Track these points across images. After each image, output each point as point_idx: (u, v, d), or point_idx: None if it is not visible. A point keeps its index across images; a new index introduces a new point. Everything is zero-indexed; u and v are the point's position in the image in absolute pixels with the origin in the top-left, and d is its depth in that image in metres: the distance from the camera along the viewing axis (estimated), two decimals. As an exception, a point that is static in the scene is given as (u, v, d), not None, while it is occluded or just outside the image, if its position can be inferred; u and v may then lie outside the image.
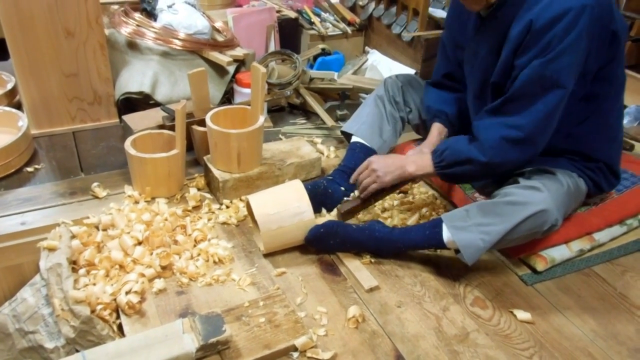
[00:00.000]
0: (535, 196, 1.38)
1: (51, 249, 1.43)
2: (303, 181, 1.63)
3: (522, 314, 1.42)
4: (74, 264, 1.44)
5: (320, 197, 1.67)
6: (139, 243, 1.51)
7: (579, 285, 1.54)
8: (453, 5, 1.65)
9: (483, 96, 1.55)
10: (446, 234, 1.45)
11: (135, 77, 2.11)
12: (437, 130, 1.73)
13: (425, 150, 1.65)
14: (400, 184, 1.63)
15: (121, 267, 1.45)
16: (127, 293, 1.36)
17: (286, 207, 1.51)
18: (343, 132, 1.92)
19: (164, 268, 1.46)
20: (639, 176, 1.78)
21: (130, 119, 1.98)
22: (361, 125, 1.83)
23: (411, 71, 2.54)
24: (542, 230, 1.40)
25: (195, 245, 1.57)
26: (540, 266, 1.54)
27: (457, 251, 1.45)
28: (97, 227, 1.59)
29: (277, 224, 1.50)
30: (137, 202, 1.71)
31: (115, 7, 2.33)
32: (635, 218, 1.69)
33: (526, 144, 1.39)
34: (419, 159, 1.55)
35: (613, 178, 1.60)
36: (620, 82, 1.49)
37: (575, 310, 1.46)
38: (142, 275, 1.42)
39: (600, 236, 1.63)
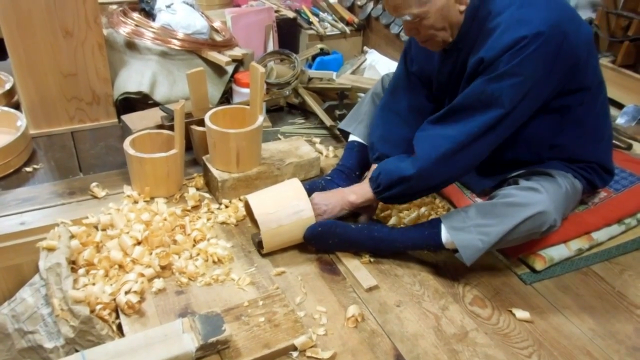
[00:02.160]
0: (534, 197, 1.38)
1: (50, 249, 1.43)
2: (302, 181, 1.63)
3: (521, 313, 1.42)
4: (73, 264, 1.44)
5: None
6: (138, 243, 1.51)
7: (578, 284, 1.55)
8: (415, 42, 1.58)
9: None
10: (445, 235, 1.46)
11: (134, 77, 2.11)
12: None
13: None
14: (365, 209, 1.62)
15: (120, 267, 1.45)
16: (126, 293, 1.36)
17: (285, 205, 1.51)
18: (340, 130, 1.92)
19: (163, 268, 1.46)
20: (637, 175, 1.78)
21: (129, 119, 1.98)
22: (358, 124, 1.83)
23: (410, 71, 2.54)
24: (541, 231, 1.41)
25: (194, 245, 1.57)
26: (539, 265, 1.54)
27: (455, 251, 1.46)
28: (96, 227, 1.59)
29: (277, 222, 1.50)
30: (136, 202, 1.71)
31: (114, 7, 2.33)
32: (633, 217, 1.70)
33: (456, 157, 1.38)
34: (358, 188, 1.58)
35: (606, 175, 1.60)
36: (595, 87, 1.47)
37: (574, 309, 1.46)
38: (142, 275, 1.42)
39: (599, 235, 1.64)
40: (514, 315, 1.43)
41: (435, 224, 1.49)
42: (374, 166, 1.65)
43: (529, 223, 1.38)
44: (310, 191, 1.62)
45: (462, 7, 1.36)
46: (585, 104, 1.46)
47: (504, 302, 1.47)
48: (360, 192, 1.56)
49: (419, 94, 1.68)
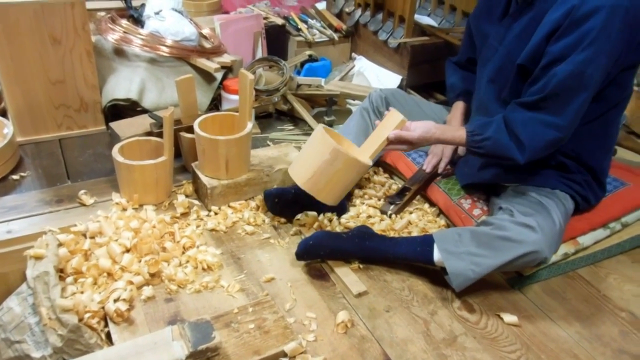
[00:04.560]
0: (529, 236, 1.39)
1: (38, 258, 1.42)
2: (291, 187, 1.63)
3: (509, 317, 1.44)
4: (61, 272, 1.43)
5: (304, 201, 1.69)
6: (127, 250, 1.51)
7: (564, 288, 1.57)
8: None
9: (499, 80, 1.56)
10: (437, 255, 1.47)
11: (123, 84, 2.10)
12: (460, 110, 1.81)
13: (454, 123, 1.74)
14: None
15: (109, 274, 1.45)
16: (115, 301, 1.35)
17: (319, 162, 1.46)
18: None
19: (152, 275, 1.46)
20: (621, 180, 1.81)
21: (118, 126, 1.97)
22: (348, 135, 1.85)
23: (398, 77, 2.56)
24: (532, 266, 1.45)
25: (183, 252, 1.57)
26: (526, 270, 1.56)
27: (444, 270, 1.47)
28: (84, 235, 1.59)
29: (323, 180, 1.47)
30: (124, 210, 1.70)
31: (102, 13, 2.33)
32: (617, 221, 1.72)
33: (559, 143, 1.42)
34: (451, 131, 1.52)
35: (599, 190, 1.63)
36: (629, 92, 1.51)
37: (561, 312, 1.48)
38: (131, 282, 1.42)
39: (585, 240, 1.66)
40: (502, 319, 1.44)
41: (428, 242, 1.49)
42: (459, 104, 1.79)
43: (522, 260, 1.40)
44: (294, 196, 1.65)
45: None
46: (618, 106, 1.49)
47: (492, 306, 1.48)
48: (450, 135, 1.51)
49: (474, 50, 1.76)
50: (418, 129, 1.50)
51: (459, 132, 1.50)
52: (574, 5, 1.31)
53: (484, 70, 1.63)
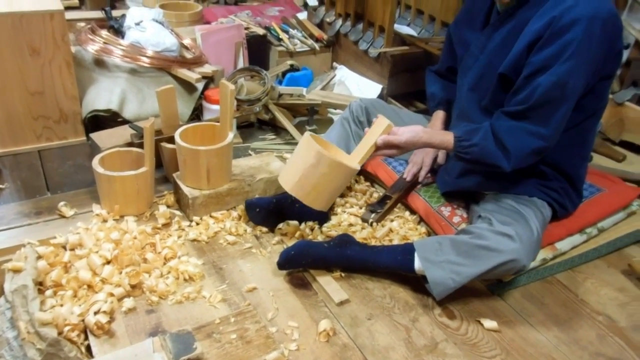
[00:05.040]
0: (508, 245, 1.41)
1: (16, 271, 1.40)
2: (272, 196, 1.64)
3: (489, 323, 1.46)
4: (40, 285, 1.41)
5: (286, 211, 1.70)
6: (108, 262, 1.50)
7: (543, 293, 1.59)
8: (469, 1, 1.70)
9: (480, 88, 1.59)
10: (418, 264, 1.49)
11: (103, 95, 2.10)
12: (441, 118, 1.82)
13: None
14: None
15: (89, 287, 1.43)
16: (95, 313, 1.34)
17: (304, 167, 1.47)
18: None
19: (133, 287, 1.45)
20: (597, 186, 1.85)
21: (98, 137, 1.97)
22: None
23: (378, 86, 2.59)
24: (511, 274, 1.48)
25: (165, 263, 1.56)
26: (505, 276, 1.58)
27: (425, 279, 1.49)
28: (64, 247, 1.57)
29: (309, 184, 1.48)
30: (105, 221, 1.69)
31: (82, 24, 2.32)
32: (594, 227, 1.76)
33: (545, 152, 1.45)
34: (440, 135, 1.54)
35: (576, 196, 1.66)
36: (605, 102, 1.54)
37: (539, 317, 1.50)
38: (111, 294, 1.41)
39: (562, 245, 1.69)
40: (482, 325, 1.46)
41: (409, 250, 1.51)
42: (439, 112, 1.80)
43: (501, 268, 1.42)
44: (276, 206, 1.67)
45: None
46: (595, 116, 1.53)
47: (472, 312, 1.50)
48: (439, 139, 1.53)
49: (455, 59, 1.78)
50: (406, 133, 1.52)
51: (446, 137, 1.52)
52: (555, 16, 1.35)
53: (464, 79, 1.66)
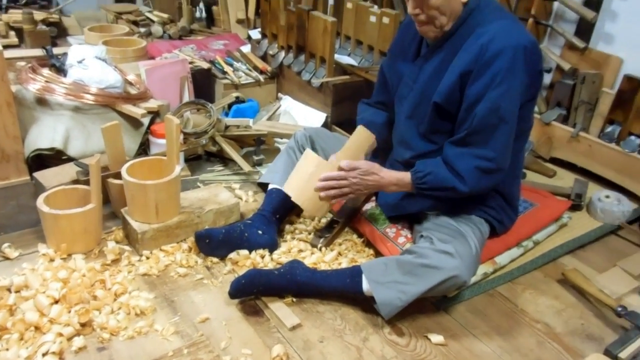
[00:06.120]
0: (448, 263, 1.49)
1: (-41, 316, 1.37)
2: (221, 227, 1.66)
3: (436, 337, 1.52)
4: (-16, 330, 1.38)
5: (236, 240, 1.73)
6: (56, 302, 1.48)
7: (485, 305, 1.67)
8: (399, 35, 1.78)
9: (416, 116, 1.67)
10: (366, 286, 1.54)
11: (46, 134, 2.08)
12: (363, 135, 1.79)
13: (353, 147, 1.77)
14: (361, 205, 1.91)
15: (37, 328, 1.41)
16: (43, 355, 1.32)
17: (305, 174, 1.68)
18: (260, 184, 1.99)
19: (83, 325, 1.44)
20: (530, 202, 1.96)
21: (42, 175, 1.94)
22: (275, 174, 1.93)
23: (322, 115, 2.67)
24: (454, 289, 1.56)
25: (115, 299, 1.55)
26: (450, 292, 1.65)
27: (373, 300, 1.54)
28: (9, 290, 1.54)
29: (309, 188, 1.67)
30: (52, 260, 1.67)
31: (22, 63, 2.30)
32: (529, 240, 1.87)
33: (497, 173, 1.54)
34: (395, 175, 1.64)
35: (512, 212, 1.77)
36: (530, 124, 1.66)
37: (483, 328, 1.58)
38: (60, 334, 1.39)
39: (501, 259, 1.78)
40: (429, 340, 1.52)
41: (357, 272, 1.56)
42: (361, 129, 1.79)
43: (444, 285, 1.49)
44: (225, 236, 1.72)
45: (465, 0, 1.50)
46: (522, 136, 1.63)
47: (420, 328, 1.56)
48: (395, 176, 1.63)
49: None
50: (365, 163, 1.64)
51: (402, 174, 1.63)
52: (482, 44, 1.46)
53: (401, 107, 1.75)
